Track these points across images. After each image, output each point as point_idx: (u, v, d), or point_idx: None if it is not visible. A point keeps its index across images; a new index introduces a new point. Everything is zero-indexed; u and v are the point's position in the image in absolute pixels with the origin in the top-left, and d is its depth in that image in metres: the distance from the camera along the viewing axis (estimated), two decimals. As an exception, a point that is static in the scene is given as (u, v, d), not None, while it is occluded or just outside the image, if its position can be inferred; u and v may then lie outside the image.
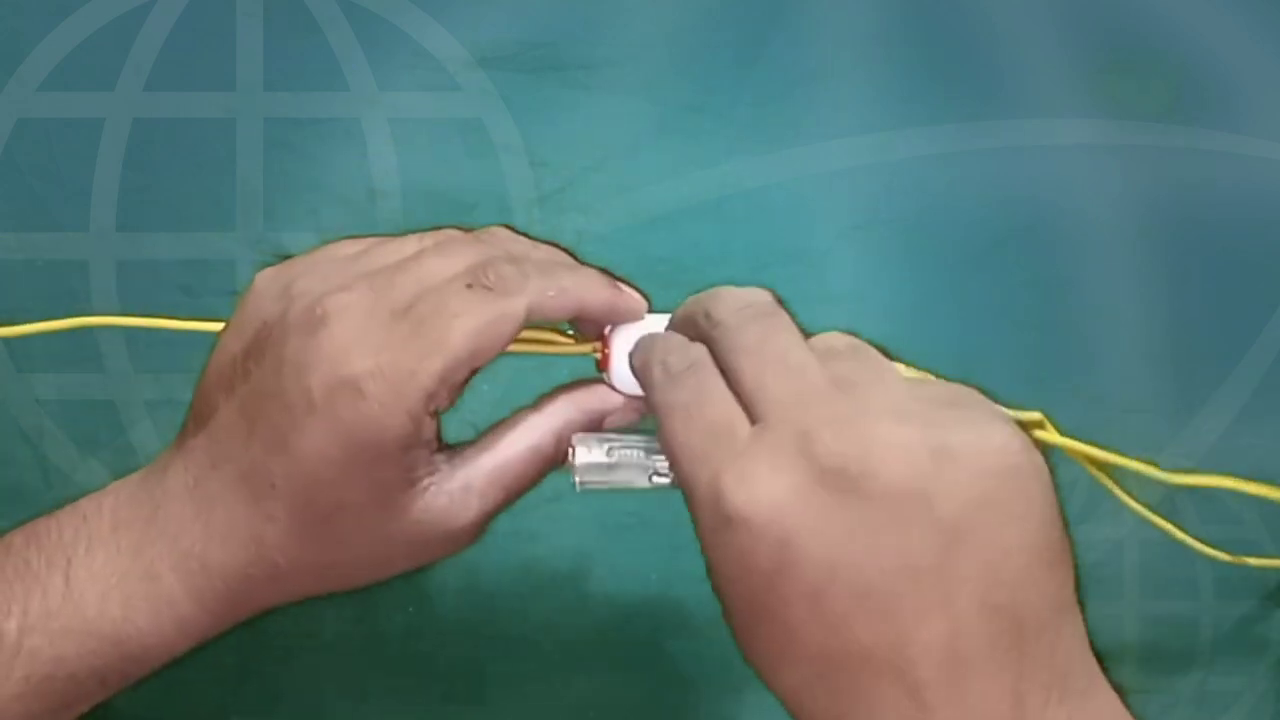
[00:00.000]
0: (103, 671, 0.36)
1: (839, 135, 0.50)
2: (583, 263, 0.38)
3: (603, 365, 0.38)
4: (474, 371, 0.35)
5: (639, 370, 0.36)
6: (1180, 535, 0.43)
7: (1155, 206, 0.49)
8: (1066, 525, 0.31)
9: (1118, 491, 0.39)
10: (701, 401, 0.33)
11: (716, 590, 0.32)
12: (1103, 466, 0.38)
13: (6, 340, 0.48)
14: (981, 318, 0.48)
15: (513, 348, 0.36)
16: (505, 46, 0.50)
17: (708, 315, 0.35)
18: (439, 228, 0.38)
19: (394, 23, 0.50)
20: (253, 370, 0.36)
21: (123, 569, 0.35)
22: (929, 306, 0.48)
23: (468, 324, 0.35)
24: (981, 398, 0.32)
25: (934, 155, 0.49)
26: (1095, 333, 0.47)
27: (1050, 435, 0.35)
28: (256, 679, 0.47)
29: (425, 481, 0.35)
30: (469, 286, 0.35)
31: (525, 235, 0.38)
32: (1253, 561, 0.46)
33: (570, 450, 0.37)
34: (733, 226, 0.49)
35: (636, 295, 0.38)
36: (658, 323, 0.38)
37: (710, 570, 0.32)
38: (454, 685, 0.47)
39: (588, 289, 0.37)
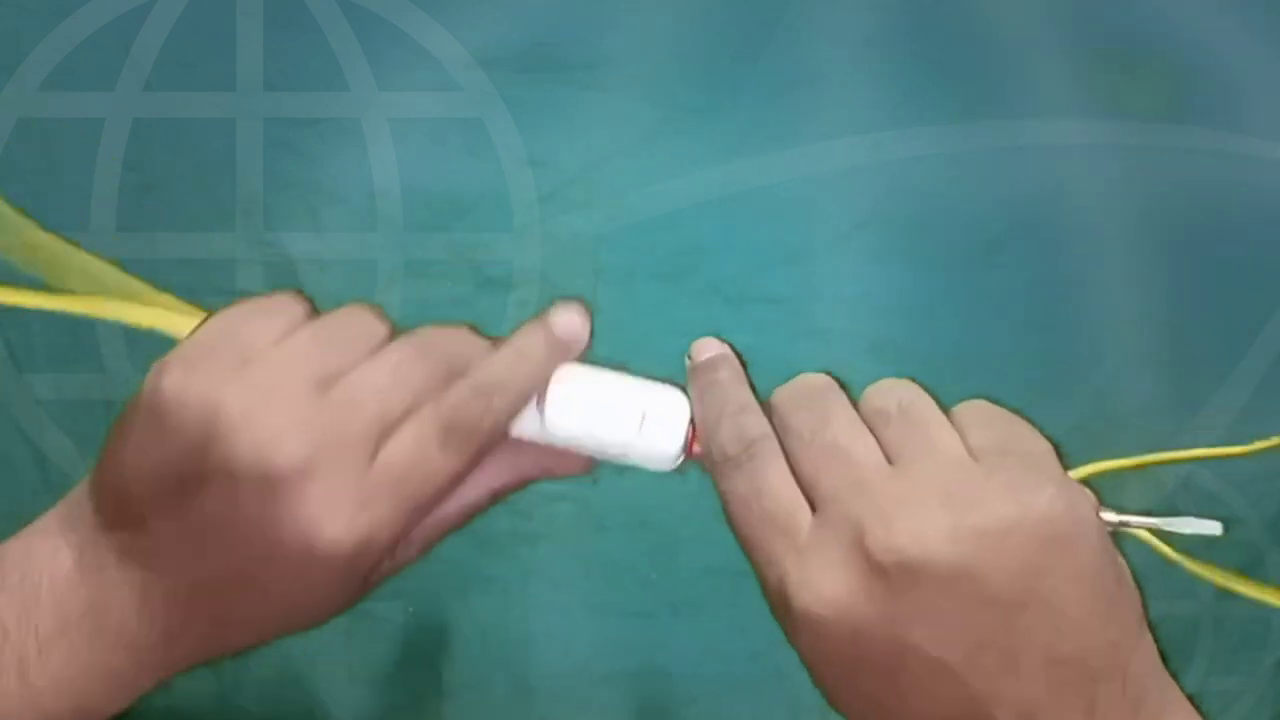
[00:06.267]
0: None
1: (839, 135, 0.50)
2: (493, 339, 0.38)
3: (540, 407, 0.37)
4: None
5: (702, 443, 0.37)
6: (1174, 556, 0.44)
7: (1155, 206, 0.49)
8: (1122, 559, 0.32)
9: (1184, 562, 0.40)
10: (760, 491, 0.34)
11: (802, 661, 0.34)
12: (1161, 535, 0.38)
13: (7, 340, 0.48)
14: (981, 318, 0.48)
15: None
16: (505, 46, 0.50)
17: (769, 402, 0.36)
18: (354, 303, 0.37)
19: (394, 23, 0.50)
20: (194, 505, 0.33)
21: (79, 669, 0.34)
22: (929, 306, 0.48)
23: (447, 482, 0.35)
24: (1030, 444, 0.34)
25: (934, 155, 0.49)
26: (1095, 333, 0.47)
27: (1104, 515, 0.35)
28: (257, 679, 0.47)
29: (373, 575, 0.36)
30: (443, 432, 0.34)
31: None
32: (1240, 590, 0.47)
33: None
34: (733, 226, 0.49)
35: (574, 330, 0.38)
36: (590, 373, 0.38)
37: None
38: (454, 685, 0.47)
39: (534, 367, 0.37)
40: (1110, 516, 0.34)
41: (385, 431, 0.34)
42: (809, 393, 0.36)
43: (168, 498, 0.33)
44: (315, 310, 0.36)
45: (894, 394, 0.35)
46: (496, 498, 0.38)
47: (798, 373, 0.38)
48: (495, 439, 0.36)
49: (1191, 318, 0.49)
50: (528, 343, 0.37)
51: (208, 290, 0.46)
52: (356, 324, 0.36)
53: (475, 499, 0.37)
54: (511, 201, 0.49)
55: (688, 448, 0.37)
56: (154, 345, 0.45)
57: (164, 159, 0.49)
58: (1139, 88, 0.50)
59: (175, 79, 0.50)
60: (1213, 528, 0.37)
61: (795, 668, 0.46)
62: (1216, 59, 0.50)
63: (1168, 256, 0.49)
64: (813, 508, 0.33)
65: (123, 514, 0.34)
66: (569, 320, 0.38)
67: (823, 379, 0.36)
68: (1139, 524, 0.35)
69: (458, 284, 0.49)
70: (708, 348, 0.39)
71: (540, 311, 0.38)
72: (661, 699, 0.47)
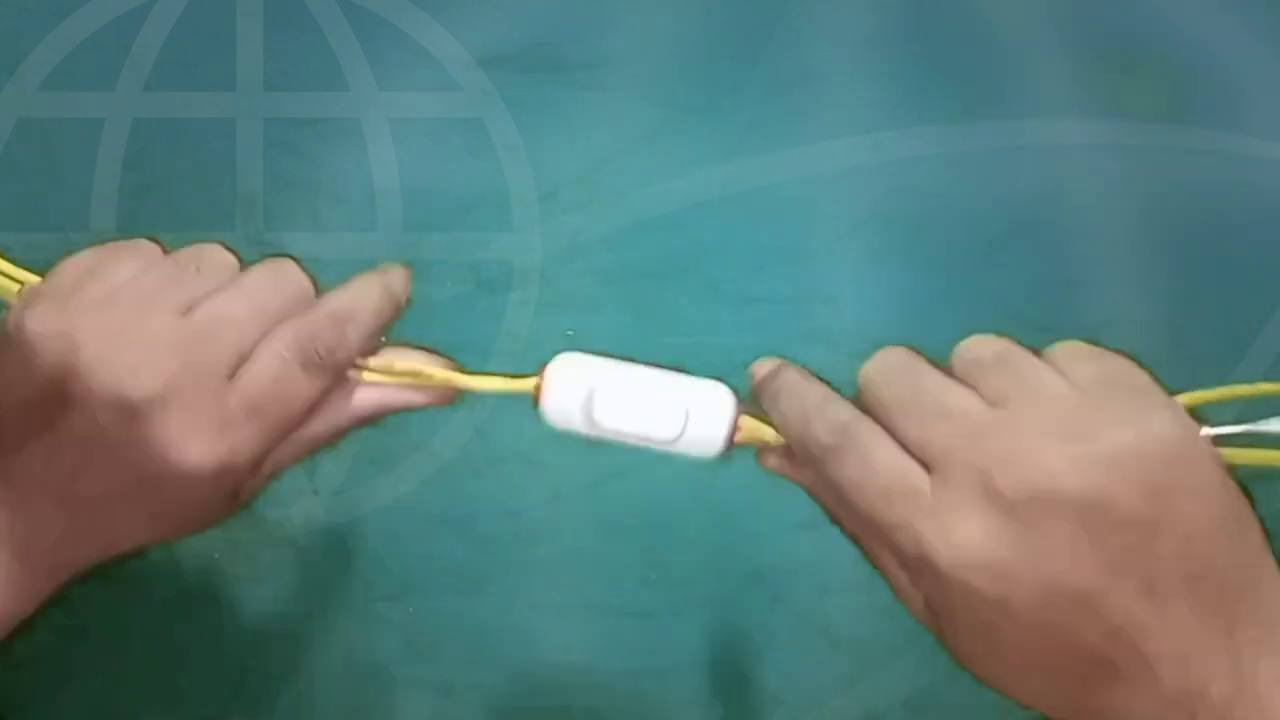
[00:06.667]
0: None
1: (839, 135, 0.50)
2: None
3: (538, 402, 0.38)
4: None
5: (794, 443, 0.37)
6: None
7: (1155, 206, 0.49)
8: (1243, 489, 0.33)
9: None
10: (873, 470, 0.34)
11: (940, 630, 0.34)
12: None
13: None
14: (981, 317, 0.48)
15: (461, 383, 0.38)
16: (505, 46, 0.50)
17: (858, 383, 0.36)
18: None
19: (394, 23, 0.50)
20: (62, 431, 0.35)
21: None
22: (929, 306, 0.48)
23: (305, 405, 0.36)
24: (1132, 376, 0.34)
25: (934, 155, 0.49)
26: (1095, 333, 0.47)
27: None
28: (257, 679, 0.47)
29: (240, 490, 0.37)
30: (301, 356, 0.36)
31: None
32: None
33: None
34: (733, 226, 0.49)
35: (397, 274, 0.39)
36: (588, 361, 0.38)
37: (932, 615, 0.34)
38: (454, 684, 0.47)
39: (377, 304, 0.38)
40: (1209, 430, 0.34)
41: (243, 356, 0.35)
42: (893, 367, 0.36)
43: (37, 424, 0.35)
44: (168, 251, 0.38)
45: (985, 346, 0.36)
46: (360, 423, 0.38)
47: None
48: (347, 365, 0.37)
49: (1191, 318, 0.49)
50: (368, 283, 0.39)
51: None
52: (210, 257, 0.37)
53: (340, 422, 0.38)
54: (511, 201, 0.49)
55: (731, 438, 0.38)
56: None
57: (164, 159, 0.49)
58: (1139, 88, 0.50)
59: (175, 79, 0.50)
60: None
61: (796, 668, 0.47)
62: (1216, 59, 0.50)
63: (1168, 256, 0.49)
64: (928, 471, 0.34)
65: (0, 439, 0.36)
66: (399, 273, 0.39)
67: (901, 351, 0.37)
68: (1239, 431, 0.36)
69: (458, 284, 0.49)
70: (764, 364, 0.39)
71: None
72: (662, 699, 0.47)
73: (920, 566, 0.33)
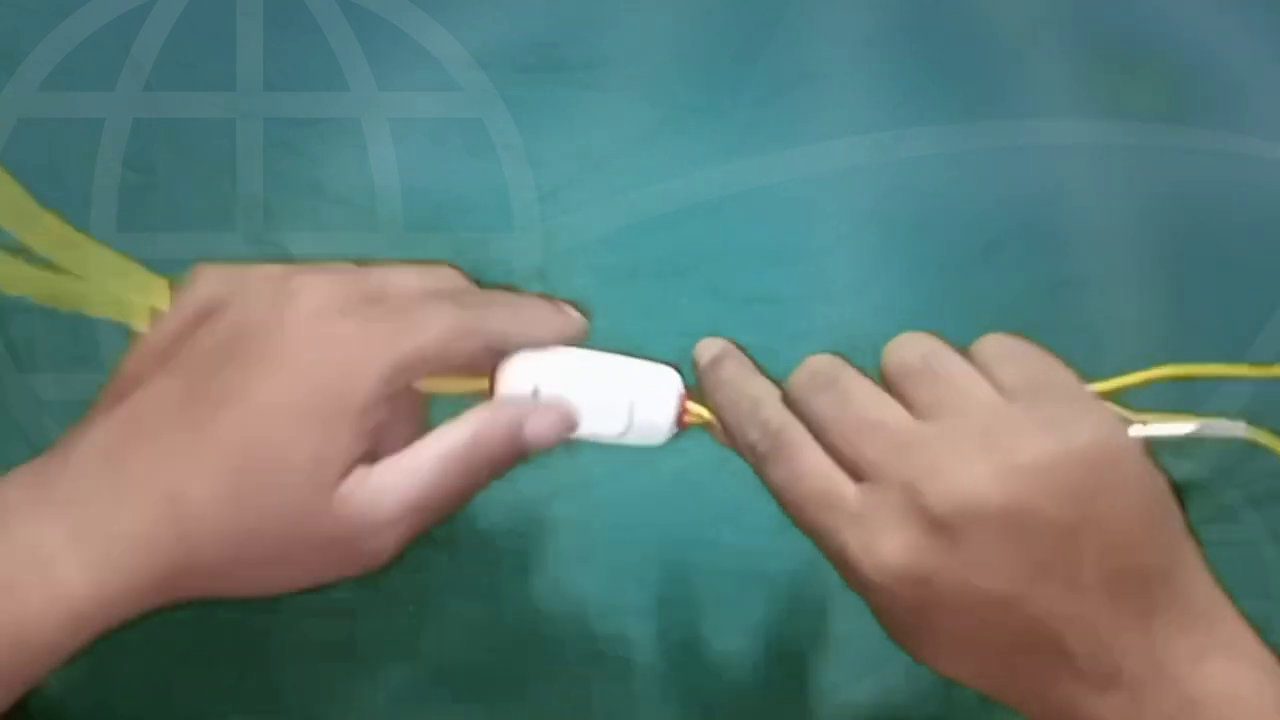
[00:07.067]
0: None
1: (839, 135, 0.50)
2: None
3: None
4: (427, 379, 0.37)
5: (725, 434, 0.38)
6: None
7: (1155, 206, 0.49)
8: (1160, 470, 0.34)
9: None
10: (799, 474, 0.35)
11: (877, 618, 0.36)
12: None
13: (7, 340, 0.48)
14: (981, 317, 0.48)
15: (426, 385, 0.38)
16: (505, 46, 0.50)
17: (784, 392, 0.37)
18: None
19: (394, 23, 0.50)
20: (201, 337, 0.36)
21: (10, 555, 0.33)
22: (929, 306, 0.48)
23: (445, 320, 0.36)
24: (1056, 376, 0.35)
25: (934, 155, 0.49)
26: (1095, 333, 0.47)
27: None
28: (257, 679, 0.47)
29: (356, 471, 0.35)
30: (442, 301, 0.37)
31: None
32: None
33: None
34: (733, 226, 0.49)
35: (577, 317, 0.40)
36: (537, 362, 0.39)
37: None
38: (454, 686, 0.47)
39: (544, 324, 0.39)
40: (1138, 430, 0.36)
41: (397, 291, 0.37)
42: (821, 375, 0.37)
43: (170, 350, 0.36)
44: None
45: (912, 348, 0.36)
46: (476, 444, 0.37)
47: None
48: (501, 335, 0.38)
49: (1191, 318, 0.49)
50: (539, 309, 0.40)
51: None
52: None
53: (449, 444, 0.37)
54: (511, 201, 0.49)
55: (679, 421, 0.39)
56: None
57: (164, 159, 0.49)
58: (1139, 88, 0.50)
59: (175, 79, 0.50)
60: (1236, 429, 0.39)
61: (797, 668, 0.47)
62: (1216, 59, 0.50)
63: (1167, 256, 0.49)
64: (857, 480, 0.35)
65: (120, 389, 0.37)
66: (573, 313, 0.40)
67: (829, 359, 0.37)
68: (1165, 432, 0.37)
69: (458, 284, 0.49)
70: (708, 348, 0.40)
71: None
72: (662, 699, 0.47)
73: (845, 572, 0.34)
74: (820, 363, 0.37)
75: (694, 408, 0.39)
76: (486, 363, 0.39)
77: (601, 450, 0.44)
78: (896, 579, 0.33)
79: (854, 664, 0.46)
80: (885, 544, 0.33)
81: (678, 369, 0.40)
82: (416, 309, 0.36)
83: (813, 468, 0.35)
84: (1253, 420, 0.43)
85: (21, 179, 0.49)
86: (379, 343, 0.35)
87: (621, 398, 0.39)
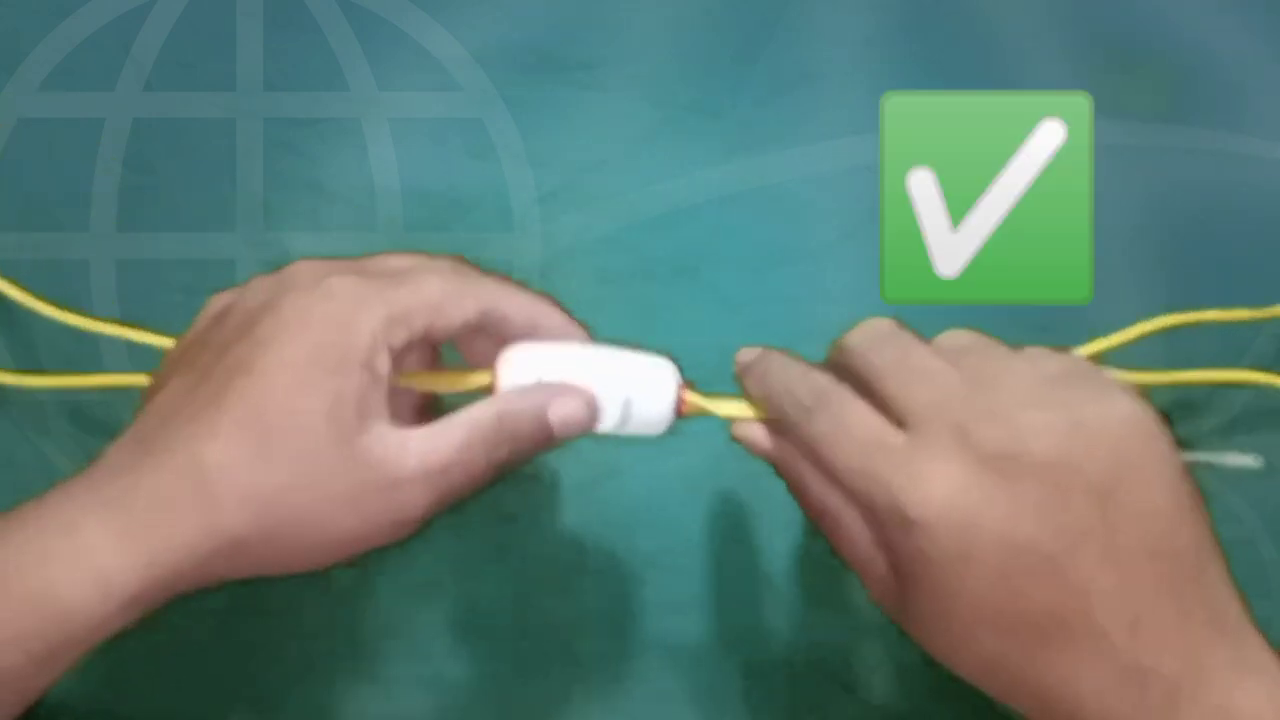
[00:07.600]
0: (34, 648, 0.34)
1: (839, 135, 0.50)
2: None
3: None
4: (425, 341, 0.38)
5: (770, 409, 0.39)
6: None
7: (1155, 206, 0.49)
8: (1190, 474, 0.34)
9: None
10: (848, 424, 0.36)
11: (897, 597, 0.35)
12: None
13: (7, 340, 0.48)
14: (981, 317, 0.48)
15: (414, 383, 0.39)
16: (505, 46, 0.50)
17: (840, 348, 0.38)
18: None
19: (394, 23, 0.50)
20: (212, 336, 0.38)
21: (41, 529, 0.35)
22: (929, 306, 0.48)
23: (440, 279, 0.38)
24: (1095, 370, 0.36)
25: (934, 155, 0.49)
26: (1095, 332, 0.47)
27: None
28: (256, 678, 0.47)
29: (372, 422, 0.36)
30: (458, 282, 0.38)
31: None
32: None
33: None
34: (733, 226, 0.49)
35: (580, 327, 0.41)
36: (537, 352, 0.39)
37: (892, 581, 0.35)
38: (454, 685, 0.47)
39: (544, 313, 0.40)
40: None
41: (395, 266, 0.39)
42: (883, 332, 0.38)
43: (189, 352, 0.39)
44: None
45: (962, 337, 0.38)
46: (501, 418, 0.38)
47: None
48: (493, 303, 0.38)
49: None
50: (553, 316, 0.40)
51: (208, 290, 0.46)
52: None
53: (476, 414, 0.38)
54: (511, 201, 0.49)
55: (677, 410, 0.40)
56: (155, 346, 0.45)
57: (164, 159, 0.49)
58: (1139, 88, 0.50)
59: (175, 79, 0.50)
60: (1251, 461, 0.41)
61: (797, 668, 0.47)
62: (1216, 59, 0.50)
63: (1168, 256, 0.49)
64: (903, 430, 0.35)
65: (150, 393, 0.38)
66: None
67: (891, 321, 0.38)
68: (1185, 459, 0.36)
69: (458, 284, 0.49)
70: (750, 350, 0.41)
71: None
72: (662, 699, 0.47)
73: (889, 518, 0.34)
74: (880, 322, 0.38)
75: (691, 398, 0.40)
76: (482, 344, 0.40)
77: (602, 450, 0.44)
78: (940, 515, 0.33)
79: (856, 663, 0.46)
80: (933, 475, 0.33)
81: (673, 361, 0.40)
82: (412, 270, 0.38)
83: (862, 417, 0.36)
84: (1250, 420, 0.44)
85: (21, 179, 0.49)
86: (373, 294, 0.37)
87: (620, 388, 0.39)
